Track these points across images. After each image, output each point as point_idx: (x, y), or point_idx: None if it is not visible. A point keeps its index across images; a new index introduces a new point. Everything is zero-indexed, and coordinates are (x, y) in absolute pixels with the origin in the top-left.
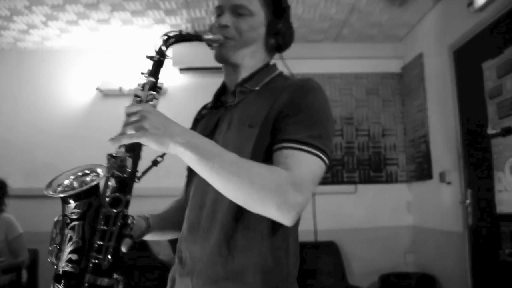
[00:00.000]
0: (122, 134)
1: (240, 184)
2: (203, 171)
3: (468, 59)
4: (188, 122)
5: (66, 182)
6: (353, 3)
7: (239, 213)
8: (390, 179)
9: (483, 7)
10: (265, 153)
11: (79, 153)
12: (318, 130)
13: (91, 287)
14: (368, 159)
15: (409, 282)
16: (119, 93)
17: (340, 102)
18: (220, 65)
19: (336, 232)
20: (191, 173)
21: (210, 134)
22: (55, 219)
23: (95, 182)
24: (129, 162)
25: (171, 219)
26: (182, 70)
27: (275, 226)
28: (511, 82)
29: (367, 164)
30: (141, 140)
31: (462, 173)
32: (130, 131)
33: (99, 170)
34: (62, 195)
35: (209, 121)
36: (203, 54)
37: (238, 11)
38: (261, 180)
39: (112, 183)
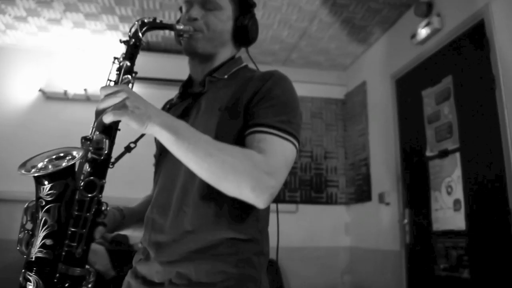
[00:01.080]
0: (105, 112)
1: (215, 164)
2: (179, 151)
3: (409, 87)
4: (133, 132)
5: (40, 164)
6: (304, 27)
7: (210, 192)
8: (330, 201)
9: (424, 40)
10: (236, 137)
11: (16, 155)
12: (288, 116)
13: (62, 277)
14: (310, 180)
15: None
16: (63, 97)
17: None
18: (168, 77)
19: (275, 251)
20: (159, 161)
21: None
22: (26, 205)
23: (71, 162)
24: (105, 144)
25: (144, 213)
26: None
27: (245, 206)
28: (448, 108)
29: (309, 184)
30: (123, 118)
31: (401, 193)
32: (114, 110)
33: (74, 153)
34: (37, 174)
35: (176, 110)
36: (153, 64)
37: (206, 6)
38: (235, 161)
39: (86, 167)
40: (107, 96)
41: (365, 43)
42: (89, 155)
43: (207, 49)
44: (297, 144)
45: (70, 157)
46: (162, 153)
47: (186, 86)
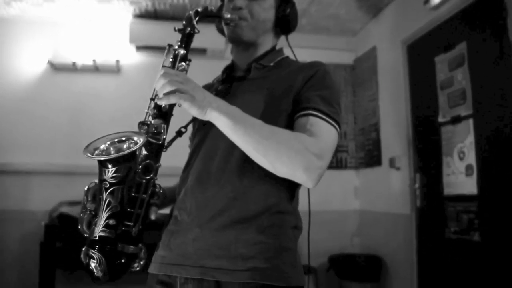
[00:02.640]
0: (167, 93)
1: (270, 146)
2: (235, 135)
3: (421, 53)
4: (142, 101)
5: (103, 146)
6: None
7: (251, 163)
8: (340, 165)
9: (438, 5)
10: (285, 118)
11: (26, 128)
12: (336, 108)
13: (120, 254)
14: None
15: (358, 261)
16: (72, 68)
17: None
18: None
19: None
20: (195, 142)
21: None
22: (87, 187)
23: (135, 147)
24: (163, 129)
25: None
26: (138, 48)
27: (284, 180)
28: (462, 74)
29: None
30: (186, 104)
31: (412, 158)
32: (178, 93)
33: (135, 138)
34: (107, 158)
35: (221, 91)
36: (160, 32)
37: None
38: (289, 144)
39: (142, 150)
40: (169, 80)
41: (375, 8)
42: (150, 139)
43: (251, 37)
44: (339, 132)
45: (132, 142)
46: (197, 135)
47: (230, 71)
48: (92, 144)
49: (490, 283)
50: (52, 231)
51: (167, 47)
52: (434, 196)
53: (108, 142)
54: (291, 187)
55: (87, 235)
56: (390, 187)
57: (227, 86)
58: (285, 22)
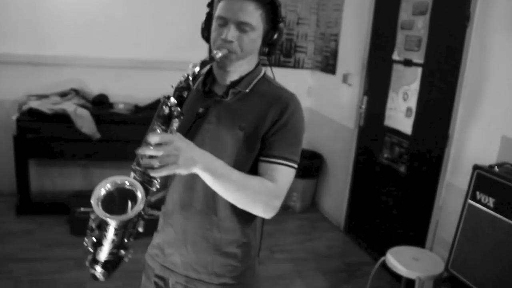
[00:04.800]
0: (160, 165)
1: (240, 194)
2: (215, 186)
3: None
4: None
5: (104, 193)
6: None
7: (224, 201)
8: (297, 65)
9: None
10: (249, 155)
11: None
12: (297, 146)
13: (117, 263)
14: (281, 44)
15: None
16: None
17: None
18: None
19: None
20: None
21: (199, 118)
22: (93, 217)
23: (137, 210)
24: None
25: None
26: None
27: (248, 214)
28: (422, 23)
29: (279, 49)
30: (176, 172)
31: (363, 80)
32: (166, 166)
33: (138, 193)
34: (116, 218)
35: (196, 104)
36: None
37: (242, 27)
38: (255, 193)
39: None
40: (159, 145)
41: None
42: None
43: (237, 66)
44: (296, 167)
45: (133, 192)
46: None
47: (211, 83)
48: (96, 192)
49: (406, 206)
50: (23, 125)
51: (163, 99)
52: (375, 122)
53: (111, 186)
54: (251, 218)
55: (91, 251)
56: (339, 98)
57: (206, 108)
58: (270, 47)
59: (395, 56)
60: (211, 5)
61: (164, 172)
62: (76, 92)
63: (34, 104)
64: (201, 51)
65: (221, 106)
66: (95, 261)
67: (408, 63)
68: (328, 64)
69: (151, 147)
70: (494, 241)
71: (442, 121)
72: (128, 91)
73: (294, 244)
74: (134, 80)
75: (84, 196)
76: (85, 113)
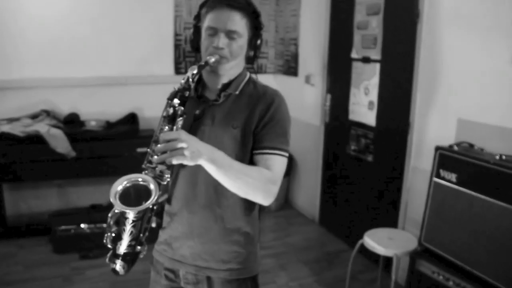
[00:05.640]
0: (167, 156)
1: (241, 184)
2: (219, 176)
3: None
4: None
5: (121, 188)
6: None
7: (226, 192)
8: (260, 70)
9: None
10: (246, 150)
11: None
12: (285, 137)
13: (135, 257)
14: None
15: None
16: None
17: None
18: None
19: None
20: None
21: (195, 121)
22: (110, 214)
23: (152, 201)
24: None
25: None
26: None
27: (252, 204)
28: (376, 22)
29: None
30: (183, 162)
31: (325, 80)
32: (176, 156)
33: (151, 186)
34: (134, 209)
35: (191, 109)
36: None
37: (230, 35)
38: (254, 180)
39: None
40: (168, 142)
41: None
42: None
43: (227, 70)
44: (288, 155)
45: (147, 185)
46: None
47: (202, 89)
48: (113, 189)
49: (377, 193)
50: None
51: (167, 102)
52: (340, 117)
53: (126, 183)
54: (252, 206)
55: (110, 247)
56: (304, 99)
57: (202, 111)
58: (254, 51)
59: (354, 55)
60: (197, 18)
61: (174, 161)
62: (47, 113)
63: (5, 128)
64: (166, 65)
65: (214, 108)
66: (115, 256)
67: (366, 60)
68: (289, 67)
69: (160, 145)
70: (459, 212)
71: (403, 110)
72: (98, 107)
73: (273, 240)
74: (104, 97)
75: (65, 214)
76: (58, 133)
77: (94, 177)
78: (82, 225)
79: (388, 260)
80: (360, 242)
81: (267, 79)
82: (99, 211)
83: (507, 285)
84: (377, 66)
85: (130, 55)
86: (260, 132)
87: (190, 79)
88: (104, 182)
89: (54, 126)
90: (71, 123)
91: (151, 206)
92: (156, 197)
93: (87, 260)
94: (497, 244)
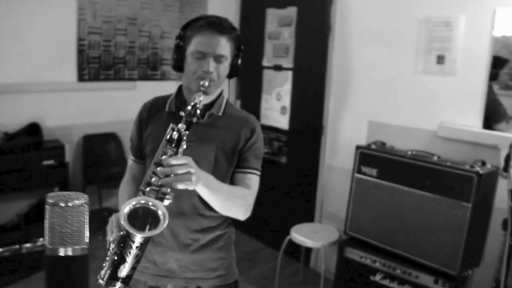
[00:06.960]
0: (173, 180)
1: (228, 203)
2: (209, 198)
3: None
4: None
5: (128, 209)
6: None
7: (207, 206)
8: (163, 77)
9: None
10: (226, 168)
11: None
12: (261, 158)
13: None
14: (147, 58)
15: None
16: None
17: (126, 2)
18: None
19: (117, 124)
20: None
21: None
22: (112, 238)
23: (160, 229)
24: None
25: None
26: None
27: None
28: (289, 33)
29: (145, 63)
30: (188, 187)
31: (235, 86)
32: (184, 180)
33: (160, 213)
34: (145, 235)
35: (169, 125)
36: None
37: (219, 59)
38: (238, 199)
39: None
40: (176, 166)
41: None
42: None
43: (214, 91)
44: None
45: (154, 210)
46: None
47: (180, 102)
48: (122, 211)
49: (292, 192)
50: None
51: (171, 127)
52: None
53: (134, 205)
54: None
55: (110, 269)
56: None
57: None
58: (234, 71)
59: (265, 63)
60: (180, 38)
61: (181, 186)
62: None
63: None
64: (68, 71)
65: (198, 126)
66: (114, 278)
67: (278, 68)
68: None
69: (166, 168)
70: (380, 202)
71: (316, 114)
72: None
73: None
74: (0, 106)
75: None
76: None
77: None
78: None
79: (307, 253)
80: (288, 237)
81: (170, 86)
82: (2, 231)
83: (425, 258)
84: (289, 74)
85: (29, 61)
86: (245, 153)
87: (198, 105)
88: (6, 200)
89: None
90: None
91: None
92: (167, 222)
93: None
94: (414, 225)
